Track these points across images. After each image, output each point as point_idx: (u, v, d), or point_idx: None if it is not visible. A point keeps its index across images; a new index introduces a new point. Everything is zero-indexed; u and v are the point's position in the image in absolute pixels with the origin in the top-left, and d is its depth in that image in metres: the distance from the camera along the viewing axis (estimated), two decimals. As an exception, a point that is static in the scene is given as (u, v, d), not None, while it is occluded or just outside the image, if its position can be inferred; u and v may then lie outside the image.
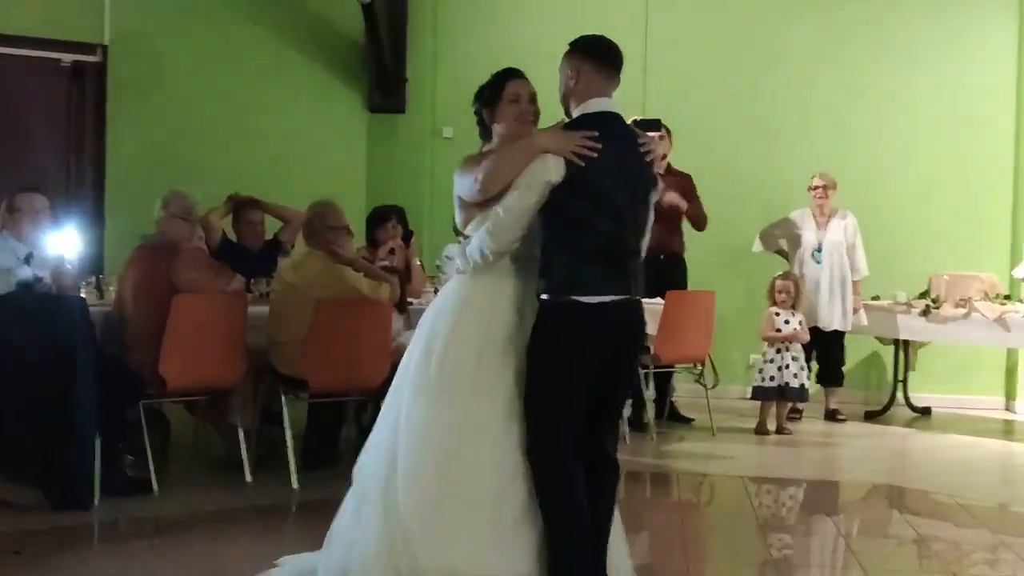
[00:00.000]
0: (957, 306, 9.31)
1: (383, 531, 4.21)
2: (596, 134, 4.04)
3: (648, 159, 4.20)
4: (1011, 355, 10.55)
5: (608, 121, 4.15)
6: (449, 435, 4.20)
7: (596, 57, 4.19)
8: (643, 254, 4.31)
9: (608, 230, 4.10)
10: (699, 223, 9.29)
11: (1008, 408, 10.54)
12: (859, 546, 6.11)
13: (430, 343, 4.31)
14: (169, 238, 6.88)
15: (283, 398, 6.84)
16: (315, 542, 4.67)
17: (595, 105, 4.17)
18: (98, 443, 6.15)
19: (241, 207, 8.57)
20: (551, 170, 4.06)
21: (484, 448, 4.18)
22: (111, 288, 7.25)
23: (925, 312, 9.39)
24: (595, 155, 4.03)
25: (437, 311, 4.38)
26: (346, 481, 4.59)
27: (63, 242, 6.70)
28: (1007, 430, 9.81)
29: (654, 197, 4.33)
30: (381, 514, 4.24)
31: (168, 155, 10.00)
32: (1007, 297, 9.51)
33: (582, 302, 4.09)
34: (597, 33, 4.34)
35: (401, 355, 7.13)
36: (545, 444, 4.13)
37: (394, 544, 4.17)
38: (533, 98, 4.39)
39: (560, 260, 4.12)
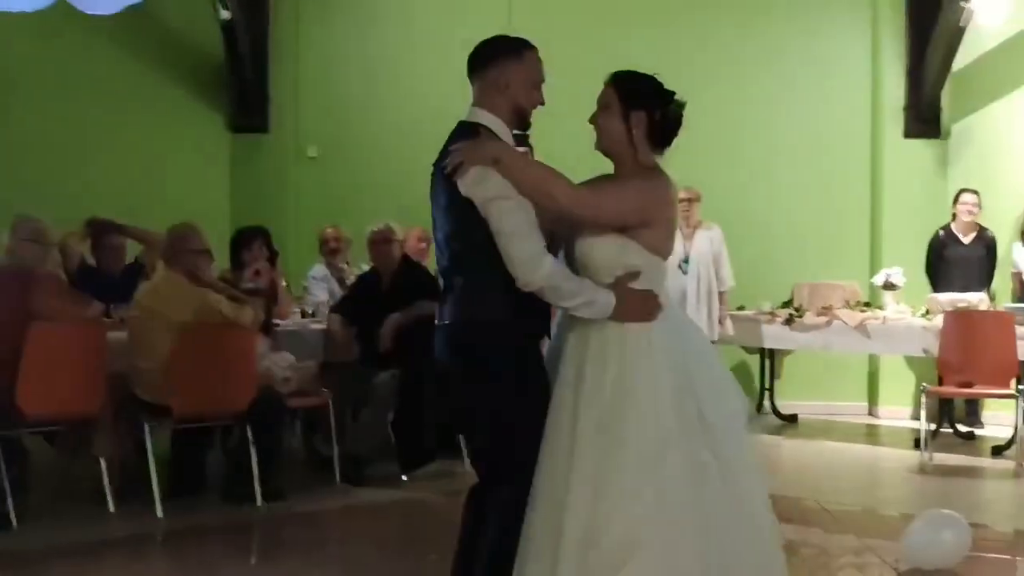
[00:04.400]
0: (819, 314, 9.44)
1: None
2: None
3: (447, 171, 3.86)
4: (872, 361, 10.78)
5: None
6: None
7: None
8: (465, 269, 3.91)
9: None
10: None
11: (871, 413, 10.76)
12: (730, 554, 6.15)
13: None
14: (22, 263, 6.65)
15: (146, 425, 6.68)
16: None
17: None
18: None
19: (101, 232, 8.36)
20: None
21: None
22: (-37, 317, 7.00)
23: (789, 321, 9.51)
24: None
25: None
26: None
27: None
28: (871, 434, 10.00)
29: (478, 212, 3.83)
30: None
31: (23, 180, 9.74)
32: (867, 304, 9.70)
33: None
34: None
35: (266, 378, 7.12)
36: None
37: None
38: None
39: None
